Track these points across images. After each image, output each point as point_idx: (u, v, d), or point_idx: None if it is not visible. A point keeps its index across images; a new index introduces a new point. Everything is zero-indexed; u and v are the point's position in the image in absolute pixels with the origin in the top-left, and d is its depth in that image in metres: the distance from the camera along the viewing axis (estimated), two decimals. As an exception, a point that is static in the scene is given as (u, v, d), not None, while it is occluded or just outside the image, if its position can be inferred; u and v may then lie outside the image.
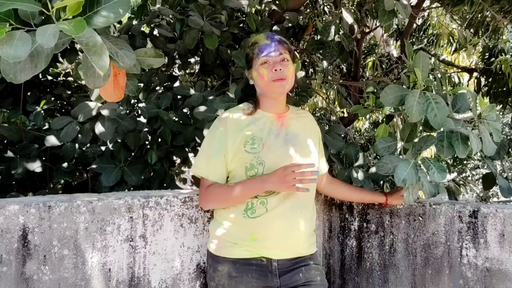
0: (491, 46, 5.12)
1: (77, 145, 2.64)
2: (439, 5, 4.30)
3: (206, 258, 1.55)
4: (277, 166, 1.39)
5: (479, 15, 4.35)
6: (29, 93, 3.16)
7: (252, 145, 1.42)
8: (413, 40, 6.14)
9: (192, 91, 2.55)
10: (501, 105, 5.10)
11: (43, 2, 0.91)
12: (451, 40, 5.93)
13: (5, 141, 2.86)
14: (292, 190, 1.34)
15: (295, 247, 1.45)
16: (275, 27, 2.92)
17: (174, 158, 3.16)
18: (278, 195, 1.41)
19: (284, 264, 1.42)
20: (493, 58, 5.00)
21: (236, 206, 1.43)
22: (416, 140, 1.53)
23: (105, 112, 2.25)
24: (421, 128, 1.54)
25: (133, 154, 2.58)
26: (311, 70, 4.46)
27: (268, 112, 1.51)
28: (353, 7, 4.06)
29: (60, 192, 3.03)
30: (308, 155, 1.49)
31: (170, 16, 2.99)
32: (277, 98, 1.51)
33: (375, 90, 2.14)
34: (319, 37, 3.10)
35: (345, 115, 5.87)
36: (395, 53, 5.78)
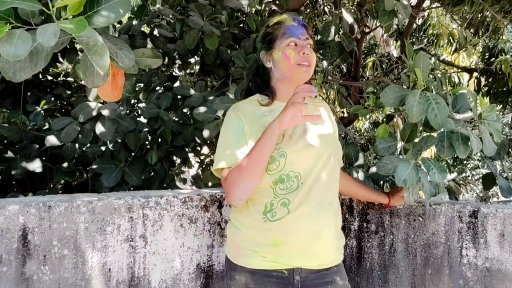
0: (491, 46, 5.13)
1: (77, 145, 2.65)
2: (439, 5, 4.30)
3: (224, 261, 1.45)
4: (299, 157, 1.29)
5: (479, 15, 4.35)
6: (29, 93, 3.16)
7: None
8: (413, 40, 6.14)
9: (192, 91, 2.55)
10: (501, 105, 5.11)
11: (44, 1, 0.91)
12: (451, 40, 5.94)
13: (5, 141, 2.86)
14: (299, 121, 1.22)
15: (322, 252, 1.31)
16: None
17: (174, 158, 3.16)
18: (300, 192, 1.28)
19: (308, 277, 1.29)
20: (493, 58, 5.00)
21: (255, 209, 1.31)
22: (416, 140, 1.53)
23: (105, 112, 2.25)
24: (421, 128, 1.54)
25: (133, 154, 2.59)
26: (311, 70, 4.45)
27: (285, 102, 1.36)
28: (353, 7, 4.06)
29: (60, 192, 3.03)
30: (330, 143, 1.39)
31: (170, 16, 2.99)
32: (298, 84, 1.35)
33: (375, 90, 2.14)
34: (319, 37, 3.10)
35: (345, 115, 5.87)
36: (395, 53, 5.78)
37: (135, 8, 3.21)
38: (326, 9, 4.03)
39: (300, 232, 1.26)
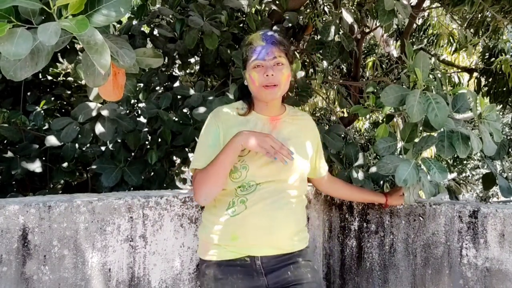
0: (491, 46, 5.13)
1: (77, 145, 2.64)
2: (439, 5, 4.30)
3: None
4: (261, 171, 1.38)
5: (479, 15, 4.35)
6: (29, 93, 3.15)
7: None
8: (413, 40, 6.15)
9: (192, 91, 2.55)
10: (501, 105, 5.11)
11: (44, 0, 0.91)
12: (451, 40, 5.94)
13: (5, 141, 2.86)
14: (260, 151, 1.31)
15: (279, 244, 1.39)
16: (275, 27, 2.92)
17: (174, 158, 3.15)
18: (258, 192, 1.38)
19: (269, 262, 1.38)
20: (493, 58, 5.00)
21: (220, 207, 1.40)
22: (416, 140, 1.53)
23: (105, 112, 2.25)
24: (421, 128, 1.54)
25: (133, 154, 2.58)
26: (311, 70, 4.45)
27: (262, 114, 1.48)
28: (353, 7, 4.06)
29: (60, 192, 3.03)
30: (297, 160, 1.44)
31: (170, 16, 2.99)
32: (269, 102, 1.47)
33: (375, 90, 2.14)
34: (319, 37, 3.10)
35: (345, 115, 5.88)
36: (395, 53, 5.79)
37: (135, 8, 3.20)
38: (326, 9, 4.03)
39: (255, 226, 1.36)
